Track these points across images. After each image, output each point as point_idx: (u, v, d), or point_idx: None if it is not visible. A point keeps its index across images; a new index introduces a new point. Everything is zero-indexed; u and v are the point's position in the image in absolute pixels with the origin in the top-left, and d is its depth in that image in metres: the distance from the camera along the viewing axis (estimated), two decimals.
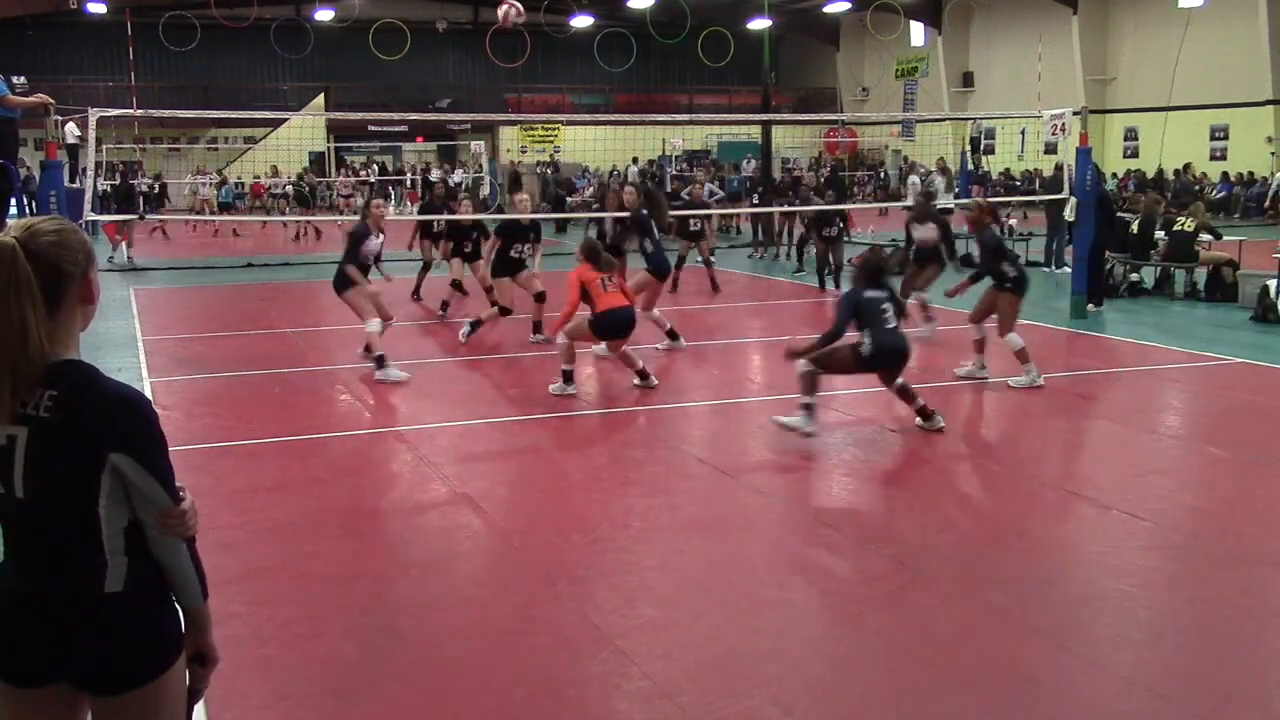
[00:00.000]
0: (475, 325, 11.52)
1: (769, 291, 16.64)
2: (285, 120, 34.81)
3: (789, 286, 16.80)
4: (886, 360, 7.75)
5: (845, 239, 16.11)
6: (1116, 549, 5.62)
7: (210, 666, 2.51)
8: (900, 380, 7.89)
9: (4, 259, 2.19)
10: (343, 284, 9.99)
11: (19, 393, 2.22)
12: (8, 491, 2.26)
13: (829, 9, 40.97)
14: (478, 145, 36.18)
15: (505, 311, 11.38)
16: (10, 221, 10.27)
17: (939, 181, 23.54)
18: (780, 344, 10.06)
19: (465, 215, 13.39)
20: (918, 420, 7.85)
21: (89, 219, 14.98)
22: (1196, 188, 29.90)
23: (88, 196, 12.68)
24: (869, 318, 7.66)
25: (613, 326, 9.04)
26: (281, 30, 34.84)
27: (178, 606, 2.42)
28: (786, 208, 20.57)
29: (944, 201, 22.08)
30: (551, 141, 41.61)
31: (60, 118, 10.75)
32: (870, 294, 7.75)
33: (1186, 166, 31.43)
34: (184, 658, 2.42)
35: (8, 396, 2.22)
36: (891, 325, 7.71)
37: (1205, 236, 15.17)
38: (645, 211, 11.37)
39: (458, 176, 33.32)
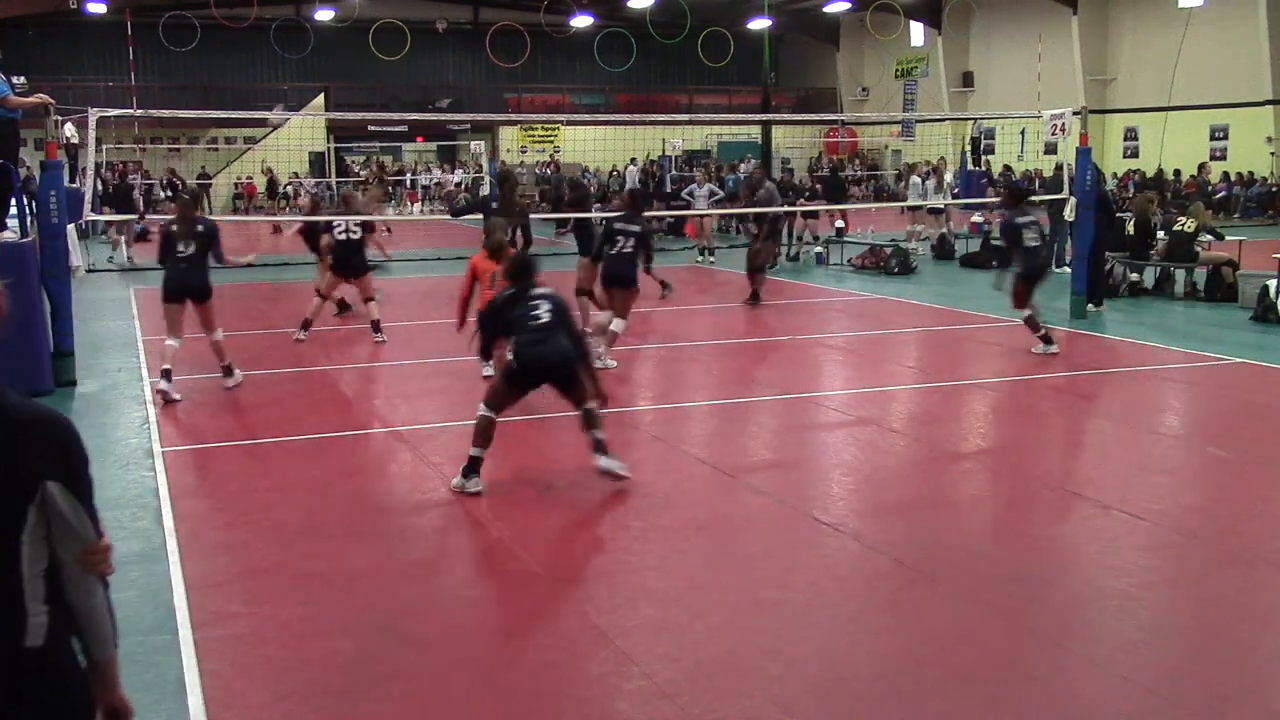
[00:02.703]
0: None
1: (770, 292, 16.59)
2: (285, 120, 34.79)
3: (787, 286, 16.78)
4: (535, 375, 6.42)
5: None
6: (1116, 549, 5.62)
7: None
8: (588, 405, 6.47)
9: None
10: None
11: None
12: None
13: (829, 9, 40.94)
14: (478, 145, 36.18)
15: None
16: (10, 221, 10.27)
17: (930, 183, 23.33)
18: (774, 344, 10.08)
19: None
20: (598, 461, 6.41)
21: (89, 219, 15.01)
22: (1210, 189, 29.86)
23: (87, 197, 12.74)
24: (517, 325, 6.39)
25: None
26: (281, 30, 34.85)
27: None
28: (789, 208, 20.56)
29: (935, 201, 22.07)
30: (551, 142, 41.61)
31: (60, 118, 10.75)
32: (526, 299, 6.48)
33: (1201, 167, 31.36)
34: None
35: None
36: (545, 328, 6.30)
37: (1205, 236, 15.18)
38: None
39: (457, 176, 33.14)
